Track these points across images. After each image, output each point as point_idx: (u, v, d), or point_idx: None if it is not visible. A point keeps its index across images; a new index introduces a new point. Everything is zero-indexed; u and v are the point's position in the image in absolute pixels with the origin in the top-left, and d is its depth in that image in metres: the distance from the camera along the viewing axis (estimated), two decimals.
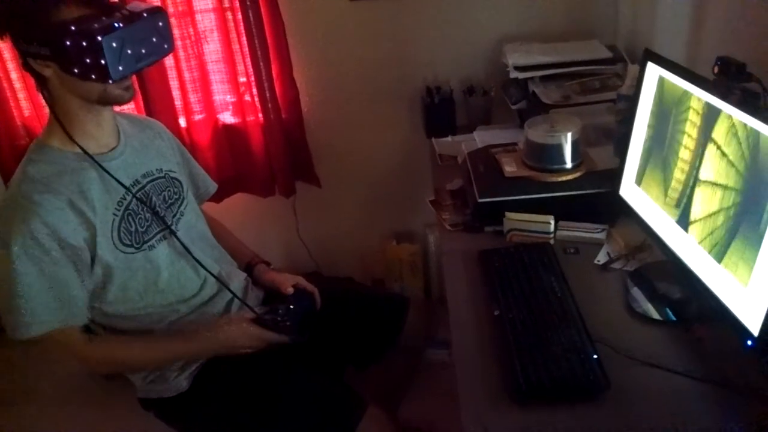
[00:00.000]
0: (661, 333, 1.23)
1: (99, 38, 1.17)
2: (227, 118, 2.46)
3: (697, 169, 1.16)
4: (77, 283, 1.32)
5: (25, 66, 1.27)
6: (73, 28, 1.18)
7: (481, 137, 1.94)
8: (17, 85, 2.35)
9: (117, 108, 1.40)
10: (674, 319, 1.25)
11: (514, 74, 2.03)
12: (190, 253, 1.45)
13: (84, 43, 1.17)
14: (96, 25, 1.18)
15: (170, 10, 2.22)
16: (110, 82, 1.23)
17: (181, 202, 1.52)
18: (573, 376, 1.10)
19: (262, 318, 1.48)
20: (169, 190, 1.50)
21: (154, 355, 1.45)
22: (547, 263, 1.42)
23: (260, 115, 2.38)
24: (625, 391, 1.09)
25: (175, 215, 1.49)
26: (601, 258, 1.46)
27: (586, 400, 1.09)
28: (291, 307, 1.52)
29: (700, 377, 1.11)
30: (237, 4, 2.20)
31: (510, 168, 1.63)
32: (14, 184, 1.30)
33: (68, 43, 1.18)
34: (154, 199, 1.44)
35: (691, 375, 1.11)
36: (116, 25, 1.19)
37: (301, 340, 1.50)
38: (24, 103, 2.39)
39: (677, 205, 1.23)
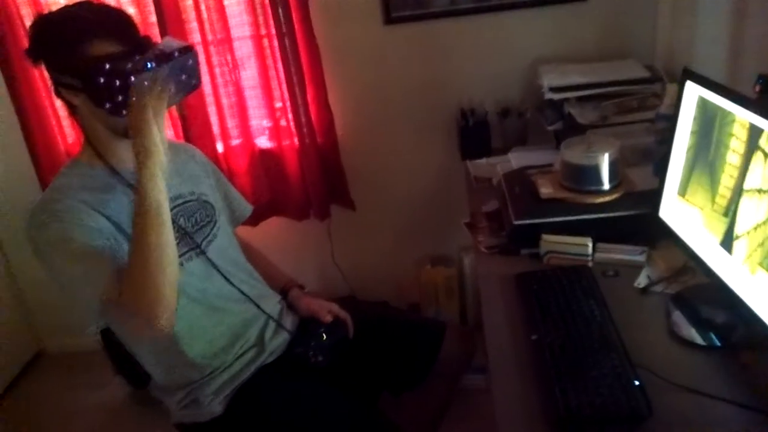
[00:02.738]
0: (705, 359, 1.19)
1: (131, 78, 1.19)
2: (263, 142, 2.49)
3: (742, 188, 1.13)
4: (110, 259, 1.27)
5: (57, 93, 1.30)
6: (107, 66, 1.20)
7: (517, 159, 1.93)
8: (61, 113, 2.42)
9: None
10: (719, 344, 1.21)
11: (549, 95, 2.02)
12: (220, 272, 1.46)
13: (117, 82, 1.20)
14: (129, 66, 1.21)
15: (209, 37, 2.27)
16: None
17: (213, 225, 1.53)
18: (614, 403, 1.07)
19: (293, 352, 1.48)
20: (200, 213, 1.51)
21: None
22: (586, 286, 1.39)
23: (296, 139, 2.40)
24: (667, 418, 1.05)
25: (206, 237, 1.50)
26: (642, 281, 1.43)
27: (627, 428, 1.06)
28: (324, 338, 1.52)
29: (747, 405, 1.06)
30: (273, 32, 2.24)
31: (546, 189, 1.61)
32: (44, 194, 1.33)
33: (100, 79, 1.20)
34: (182, 221, 1.45)
35: (737, 403, 1.07)
36: (148, 65, 1.21)
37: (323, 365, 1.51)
38: (68, 130, 2.46)
39: (725, 213, 1.19)
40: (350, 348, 1.58)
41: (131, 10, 2.18)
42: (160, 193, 1.22)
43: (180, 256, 1.41)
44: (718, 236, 1.21)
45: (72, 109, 1.34)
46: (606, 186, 1.56)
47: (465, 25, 2.28)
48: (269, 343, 1.56)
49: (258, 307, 1.52)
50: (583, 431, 1.06)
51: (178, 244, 1.39)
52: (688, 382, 1.12)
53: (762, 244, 1.09)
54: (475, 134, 2.26)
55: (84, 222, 1.27)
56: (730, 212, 1.18)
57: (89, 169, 1.36)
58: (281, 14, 2.20)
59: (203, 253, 1.46)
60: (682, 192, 1.36)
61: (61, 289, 1.29)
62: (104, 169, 1.36)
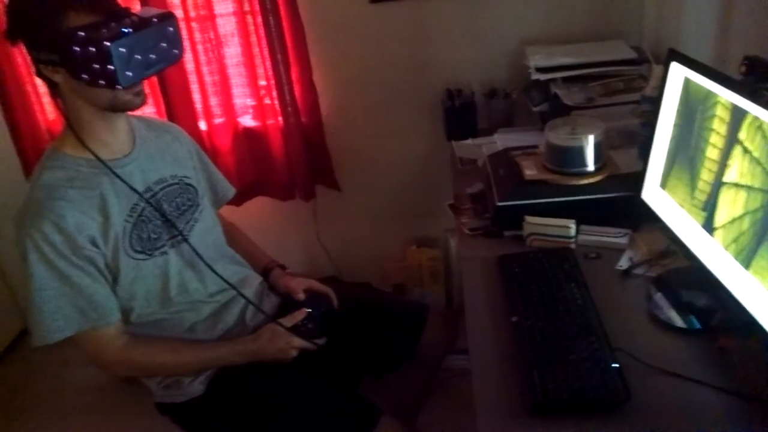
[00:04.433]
0: (684, 342, 1.18)
1: (107, 45, 1.16)
2: (247, 121, 2.45)
3: (724, 171, 1.12)
4: (97, 285, 1.32)
5: (38, 72, 1.27)
6: (81, 34, 1.17)
7: (502, 140, 1.91)
8: (42, 89, 2.38)
9: (136, 111, 1.39)
10: (699, 327, 1.20)
11: (535, 76, 2.00)
12: (202, 259, 1.44)
13: (92, 50, 1.17)
14: (104, 32, 1.18)
15: (191, 14, 2.23)
16: (119, 88, 1.22)
17: (195, 209, 1.52)
18: (592, 387, 1.07)
19: (281, 324, 1.46)
20: (183, 197, 1.49)
21: (183, 359, 1.44)
22: (568, 269, 1.38)
23: (280, 118, 2.37)
24: (646, 402, 1.06)
25: (188, 221, 1.49)
26: (624, 263, 1.42)
27: (606, 412, 1.06)
28: (309, 311, 1.51)
29: (725, 389, 1.06)
30: (257, 8, 2.20)
31: (530, 171, 1.60)
32: (29, 191, 1.30)
33: (77, 49, 1.17)
34: (165, 205, 1.44)
35: (715, 386, 1.07)
36: (125, 31, 1.19)
37: (321, 346, 1.49)
38: (48, 107, 2.42)
39: (704, 208, 1.19)
40: (336, 324, 1.57)
41: None
42: (231, 359, 1.46)
43: (163, 245, 1.41)
44: (700, 221, 1.21)
45: (54, 90, 1.30)
46: (590, 168, 1.55)
47: (453, 5, 2.24)
48: (250, 324, 1.55)
49: (237, 291, 1.50)
50: (561, 415, 1.06)
51: (160, 232, 1.39)
52: (667, 365, 1.12)
53: (736, 240, 1.08)
54: (461, 115, 2.24)
55: (70, 231, 1.26)
56: (709, 206, 1.17)
57: (73, 160, 1.33)
58: None
59: (185, 240, 1.44)
60: (663, 184, 1.36)
61: (26, 287, 1.29)
62: (88, 160, 1.33)
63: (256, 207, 2.55)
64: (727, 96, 1.12)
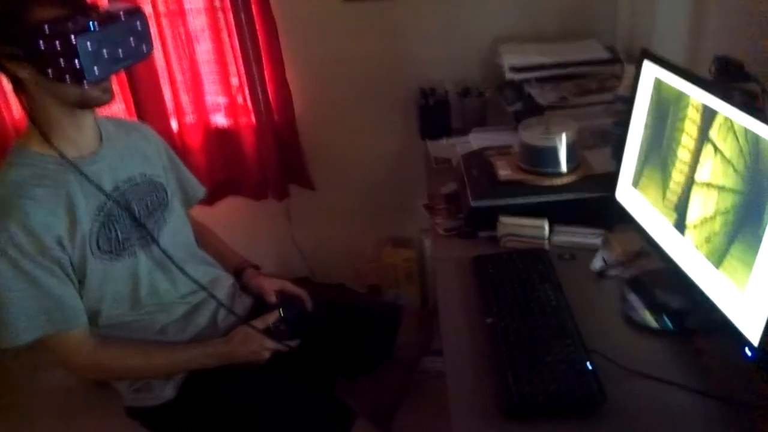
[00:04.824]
0: (659, 343, 1.19)
1: (73, 39, 1.14)
2: (219, 120, 2.42)
3: (695, 171, 1.12)
4: (64, 287, 1.28)
5: (1, 68, 1.23)
6: (47, 28, 1.14)
7: (476, 139, 1.90)
8: (7, 86, 2.31)
9: (105, 110, 1.36)
10: (673, 328, 1.21)
11: (509, 75, 2.00)
12: (172, 260, 1.42)
13: (58, 44, 1.14)
14: (71, 26, 1.15)
15: (161, 9, 2.19)
16: (86, 84, 1.19)
17: (164, 209, 1.49)
18: (567, 389, 1.06)
19: (253, 326, 1.44)
20: (152, 196, 1.46)
21: (154, 361, 1.42)
22: (542, 270, 1.38)
23: (252, 116, 2.34)
24: (621, 404, 1.05)
25: (158, 221, 1.45)
26: (598, 264, 1.42)
27: (581, 415, 1.05)
28: (281, 313, 1.49)
29: (700, 390, 1.07)
30: (228, 5, 2.17)
31: (504, 171, 1.59)
32: None
33: (42, 43, 1.14)
34: (134, 205, 1.40)
35: (690, 387, 1.07)
36: (92, 25, 1.16)
37: (294, 348, 1.47)
38: (15, 104, 2.36)
39: (676, 208, 1.19)
40: (310, 326, 1.55)
41: None
42: (203, 361, 1.44)
43: (132, 245, 1.38)
44: (672, 221, 1.21)
45: (18, 86, 1.26)
46: (564, 168, 1.55)
47: (426, 3, 2.23)
48: (222, 326, 1.52)
49: (209, 293, 1.48)
50: (536, 418, 1.05)
51: (129, 232, 1.36)
52: (643, 367, 1.12)
53: (708, 240, 1.09)
54: (434, 114, 2.22)
55: (37, 231, 1.23)
56: (680, 207, 1.18)
57: (40, 157, 1.29)
58: None
59: (155, 241, 1.41)
60: (635, 184, 1.36)
61: None
62: (55, 159, 1.29)
63: (228, 207, 2.51)
64: (697, 96, 1.12)
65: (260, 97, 2.29)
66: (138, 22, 1.26)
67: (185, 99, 2.33)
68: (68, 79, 1.18)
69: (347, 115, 2.44)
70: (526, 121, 1.63)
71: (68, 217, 1.28)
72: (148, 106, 2.29)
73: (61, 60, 1.16)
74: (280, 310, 1.51)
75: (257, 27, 2.19)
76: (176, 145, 2.34)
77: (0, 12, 1.18)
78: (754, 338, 0.97)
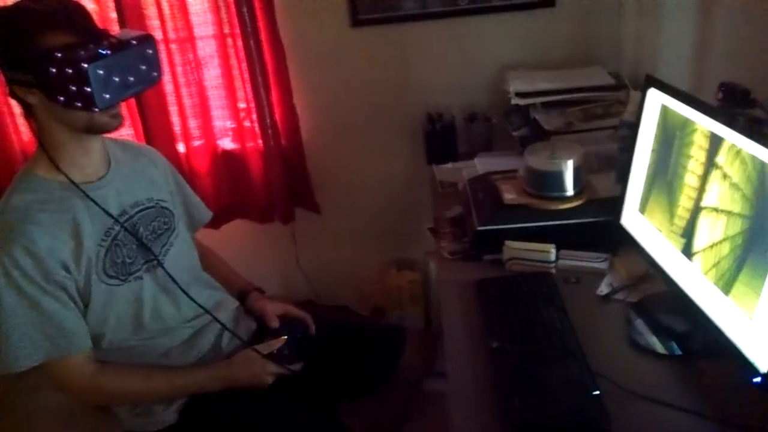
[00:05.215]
0: (664, 368, 1.18)
1: (84, 66, 1.14)
2: (227, 144, 2.44)
3: (702, 197, 1.12)
4: (68, 312, 1.28)
5: (11, 93, 1.25)
6: (58, 55, 1.15)
7: (482, 164, 1.91)
8: (17, 110, 2.35)
9: (113, 133, 1.36)
10: (679, 353, 1.20)
11: (515, 101, 2.01)
12: (177, 283, 1.41)
13: (69, 71, 1.15)
14: (82, 53, 1.16)
15: (171, 36, 2.22)
16: (96, 110, 1.20)
17: (171, 233, 1.49)
18: (572, 412, 1.06)
19: (256, 350, 1.44)
20: (159, 220, 1.46)
21: (155, 386, 1.41)
22: (547, 293, 1.38)
23: (260, 141, 2.36)
24: (625, 428, 1.04)
25: (164, 245, 1.46)
26: (603, 289, 1.42)
27: None
28: (284, 337, 1.48)
29: (706, 415, 1.05)
30: (238, 31, 2.20)
31: (510, 195, 1.60)
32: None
33: (53, 70, 1.15)
34: (141, 230, 1.41)
35: (695, 412, 1.06)
36: (103, 52, 1.17)
37: (296, 372, 1.47)
38: (23, 128, 2.38)
39: (683, 234, 1.19)
40: (312, 350, 1.55)
41: (91, 6, 2.12)
42: (204, 386, 1.42)
43: (138, 270, 1.38)
44: (679, 246, 1.21)
45: (27, 111, 1.27)
46: (569, 192, 1.55)
47: (433, 30, 2.26)
48: (226, 350, 1.51)
49: (213, 317, 1.47)
50: None
51: (135, 257, 1.36)
52: (648, 391, 1.11)
53: (716, 265, 1.08)
54: (441, 139, 2.24)
55: (41, 255, 1.23)
56: (688, 233, 1.17)
57: (45, 182, 1.30)
58: (246, 13, 2.15)
59: (161, 264, 1.41)
60: (642, 209, 1.36)
61: None
62: (61, 183, 1.30)
63: (233, 229, 2.51)
64: (704, 122, 1.12)
65: (268, 121, 2.31)
66: (149, 49, 1.27)
67: (193, 123, 2.35)
68: (78, 106, 1.19)
69: (354, 139, 2.45)
70: (532, 146, 1.64)
71: (74, 241, 1.28)
72: (156, 130, 2.31)
73: (72, 87, 1.16)
74: (284, 333, 1.50)
75: (265, 53, 2.22)
76: (183, 168, 2.36)
77: (11, 38, 1.19)
78: (763, 365, 0.97)
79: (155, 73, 1.30)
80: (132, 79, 1.24)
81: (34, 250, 1.22)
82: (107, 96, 1.19)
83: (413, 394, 1.80)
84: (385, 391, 1.66)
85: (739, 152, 1.02)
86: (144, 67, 1.26)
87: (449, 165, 2.10)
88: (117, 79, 1.20)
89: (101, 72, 1.17)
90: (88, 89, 1.16)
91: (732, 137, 1.04)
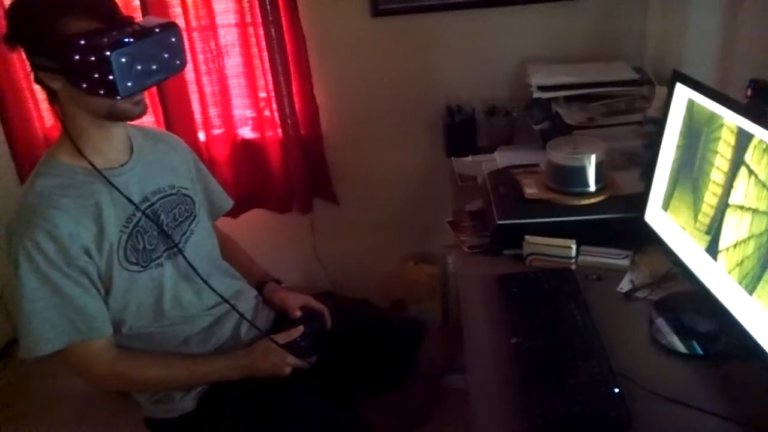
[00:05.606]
0: (687, 368, 1.17)
1: (108, 53, 1.14)
2: (246, 133, 2.44)
3: (729, 194, 1.11)
4: (89, 297, 1.29)
5: (36, 79, 1.25)
6: (82, 42, 1.15)
7: (502, 158, 1.90)
8: (40, 95, 2.36)
9: (135, 121, 1.37)
10: (702, 353, 1.19)
11: (537, 94, 1.99)
12: (196, 272, 1.42)
13: (92, 58, 1.15)
14: (105, 40, 1.16)
15: (193, 24, 2.22)
16: (118, 98, 1.20)
17: (192, 220, 1.49)
18: (592, 411, 1.05)
19: (275, 340, 1.44)
20: (180, 208, 1.47)
21: (175, 373, 1.42)
22: (569, 290, 1.37)
23: (279, 130, 2.36)
24: (646, 428, 1.03)
25: (184, 233, 1.46)
26: (625, 286, 1.40)
27: None
28: (303, 329, 1.49)
29: (728, 417, 1.04)
30: (259, 20, 2.19)
31: (531, 190, 1.59)
32: (22, 198, 1.28)
33: (77, 57, 1.15)
34: (162, 216, 1.41)
35: (717, 414, 1.05)
36: (126, 40, 1.17)
37: (312, 364, 1.47)
38: (46, 114, 2.40)
39: (708, 231, 1.17)
40: (328, 343, 1.55)
41: None
42: (223, 374, 1.44)
43: (158, 257, 1.39)
44: (703, 244, 1.19)
45: (52, 97, 1.28)
46: (591, 188, 1.54)
47: (454, 21, 2.24)
48: (245, 339, 1.52)
49: (231, 306, 1.47)
50: None
51: (156, 244, 1.37)
52: (669, 391, 1.10)
53: (740, 264, 1.07)
54: (461, 132, 2.23)
55: (63, 240, 1.24)
56: (713, 230, 1.16)
57: (68, 167, 1.31)
58: (267, 2, 2.15)
59: (181, 252, 1.42)
60: (665, 206, 1.34)
61: (16, 297, 1.26)
62: (84, 169, 1.31)
63: (252, 219, 2.52)
64: (732, 119, 1.11)
65: (287, 111, 2.30)
66: (173, 37, 1.26)
67: (213, 112, 2.35)
68: (101, 93, 1.19)
69: (373, 130, 2.44)
70: (554, 140, 1.62)
71: (96, 227, 1.29)
72: (176, 118, 2.31)
73: (95, 74, 1.16)
74: (303, 325, 1.51)
75: (287, 42, 2.22)
76: (203, 157, 2.36)
77: (36, 24, 1.20)
78: None
79: (179, 62, 1.29)
80: (155, 67, 1.24)
81: (56, 235, 1.23)
82: (129, 84, 1.19)
83: (434, 390, 1.80)
84: (404, 386, 1.66)
85: (767, 149, 1.01)
86: (167, 55, 1.26)
87: (469, 158, 2.08)
88: (140, 67, 1.20)
89: (124, 60, 1.17)
90: (111, 77, 1.16)
91: (761, 134, 1.02)
